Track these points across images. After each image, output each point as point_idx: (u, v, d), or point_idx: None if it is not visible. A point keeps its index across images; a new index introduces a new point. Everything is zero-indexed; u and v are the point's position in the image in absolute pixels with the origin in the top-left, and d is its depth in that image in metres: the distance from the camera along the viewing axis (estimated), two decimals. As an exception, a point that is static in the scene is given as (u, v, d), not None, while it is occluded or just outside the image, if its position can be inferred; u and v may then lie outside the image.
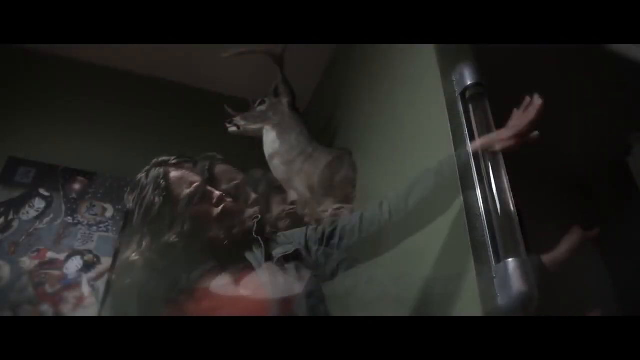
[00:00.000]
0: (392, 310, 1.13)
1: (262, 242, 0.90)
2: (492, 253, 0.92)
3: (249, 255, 0.88)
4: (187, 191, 0.87)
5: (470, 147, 1.02)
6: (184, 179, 0.90)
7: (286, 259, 0.89)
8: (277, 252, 0.89)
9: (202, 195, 0.89)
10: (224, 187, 1.06)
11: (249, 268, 0.86)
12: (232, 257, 0.89)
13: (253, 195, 1.20)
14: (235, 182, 1.16)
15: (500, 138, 0.92)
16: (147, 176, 0.89)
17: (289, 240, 0.95)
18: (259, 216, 0.97)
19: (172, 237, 0.86)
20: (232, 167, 1.21)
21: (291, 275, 0.86)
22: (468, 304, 0.90)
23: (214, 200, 0.89)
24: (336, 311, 0.94)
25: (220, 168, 1.15)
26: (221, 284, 0.82)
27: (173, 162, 0.92)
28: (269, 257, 0.87)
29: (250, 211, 0.98)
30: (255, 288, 0.82)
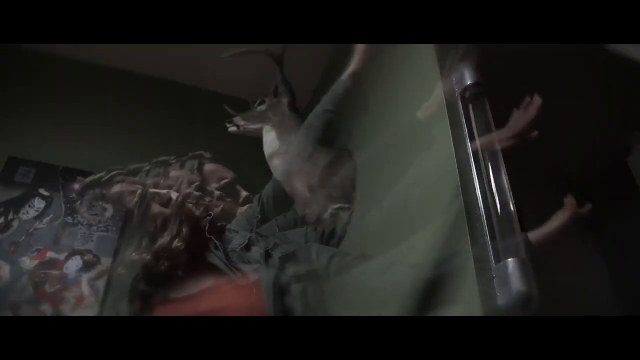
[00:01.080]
0: (389, 308, 1.13)
1: (216, 242, 0.90)
2: (492, 253, 0.92)
3: (212, 259, 0.88)
4: (133, 202, 0.87)
5: (470, 147, 1.01)
6: (124, 192, 0.89)
7: (245, 249, 0.90)
8: (234, 247, 0.89)
9: (148, 200, 0.88)
10: (214, 186, 1.05)
11: (216, 272, 0.86)
12: (199, 263, 0.89)
13: (244, 194, 1.19)
14: (225, 181, 1.15)
15: (500, 138, 0.92)
16: (81, 203, 0.89)
17: (237, 230, 0.95)
18: (212, 214, 0.96)
19: (149, 248, 0.86)
20: (221, 165, 1.20)
21: (256, 263, 0.86)
22: (468, 304, 0.90)
23: (164, 202, 0.89)
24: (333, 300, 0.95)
25: (209, 167, 1.14)
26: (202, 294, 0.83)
27: (105, 179, 0.91)
28: (227, 256, 0.87)
29: (200, 210, 0.96)
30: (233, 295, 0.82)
